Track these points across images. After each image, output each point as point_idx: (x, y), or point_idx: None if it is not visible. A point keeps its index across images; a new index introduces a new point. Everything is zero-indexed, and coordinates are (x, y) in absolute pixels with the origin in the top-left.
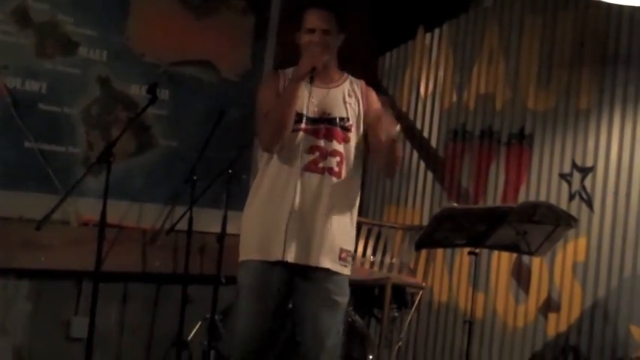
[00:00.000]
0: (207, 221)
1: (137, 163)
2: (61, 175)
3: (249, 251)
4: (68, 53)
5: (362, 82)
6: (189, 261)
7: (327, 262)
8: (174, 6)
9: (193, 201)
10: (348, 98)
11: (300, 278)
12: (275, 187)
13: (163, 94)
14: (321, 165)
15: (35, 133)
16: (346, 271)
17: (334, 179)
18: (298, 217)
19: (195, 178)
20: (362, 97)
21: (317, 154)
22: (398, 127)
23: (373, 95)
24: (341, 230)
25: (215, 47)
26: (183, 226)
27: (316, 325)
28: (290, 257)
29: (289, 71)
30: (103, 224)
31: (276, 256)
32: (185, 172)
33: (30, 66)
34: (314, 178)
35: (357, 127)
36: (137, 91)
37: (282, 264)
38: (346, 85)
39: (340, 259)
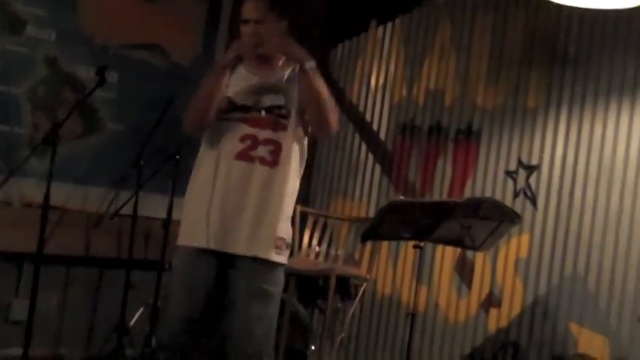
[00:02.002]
0: (153, 207)
1: (83, 145)
2: (5, 155)
3: (181, 236)
4: (16, 32)
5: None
6: (133, 246)
7: (255, 250)
8: None
9: (139, 186)
10: (286, 85)
11: (229, 267)
12: (207, 174)
13: (112, 76)
14: (251, 153)
15: None
16: (279, 258)
17: (266, 167)
18: (222, 204)
19: (142, 162)
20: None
21: (248, 142)
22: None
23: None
24: (274, 219)
25: (166, 31)
26: (128, 210)
27: (244, 315)
28: (213, 244)
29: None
30: (46, 206)
31: (200, 242)
32: (132, 157)
33: None
34: (245, 167)
35: (296, 113)
36: (85, 73)
37: (211, 252)
38: (287, 73)
39: (276, 247)
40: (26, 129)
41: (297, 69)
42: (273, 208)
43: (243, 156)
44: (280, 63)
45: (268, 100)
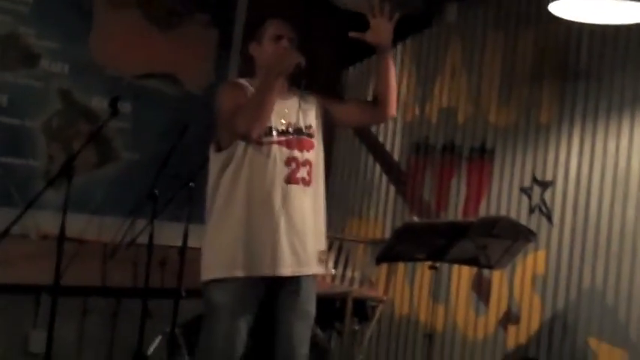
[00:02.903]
0: (168, 235)
1: (98, 176)
2: (21, 188)
3: (227, 268)
4: (30, 65)
5: (311, 92)
6: (149, 275)
7: (310, 269)
8: (137, 19)
9: (154, 215)
10: (304, 105)
11: (281, 289)
12: (252, 200)
13: (125, 107)
14: (298, 175)
15: None
16: (321, 270)
17: (308, 188)
18: (284, 230)
19: (156, 192)
20: (313, 98)
21: (294, 165)
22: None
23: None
24: (318, 235)
25: (178, 60)
26: (144, 239)
27: (292, 335)
28: (283, 272)
29: (249, 82)
30: (62, 238)
31: (266, 271)
32: (146, 186)
33: None
34: (294, 190)
35: (319, 132)
36: (99, 104)
37: (264, 279)
38: (300, 96)
39: (319, 260)
40: (41, 161)
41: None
42: (319, 223)
43: (293, 179)
44: (292, 89)
45: (299, 122)
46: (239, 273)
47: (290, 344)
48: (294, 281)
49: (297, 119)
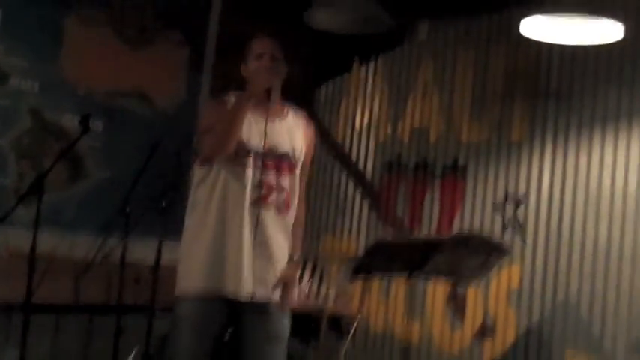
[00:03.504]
0: (141, 251)
1: (70, 193)
2: None
3: (193, 282)
4: None
5: (304, 115)
6: (122, 292)
7: (276, 295)
8: (108, 37)
9: (126, 232)
10: (293, 130)
11: (245, 312)
12: (224, 221)
13: (97, 125)
14: (269, 200)
15: None
16: (291, 303)
17: (281, 215)
18: (248, 253)
19: (128, 210)
20: (304, 133)
21: (264, 189)
22: None
23: (312, 132)
24: (284, 261)
25: (150, 78)
26: (116, 256)
27: (261, 358)
28: (244, 292)
29: (232, 97)
30: (33, 255)
31: (228, 291)
32: (118, 203)
33: None
34: (263, 214)
35: (300, 159)
36: (70, 122)
37: (223, 298)
38: (290, 117)
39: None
40: (11, 179)
41: (299, 113)
42: (284, 250)
43: (262, 203)
44: (283, 109)
45: (280, 147)
46: (202, 290)
47: None
48: (262, 305)
49: (282, 143)
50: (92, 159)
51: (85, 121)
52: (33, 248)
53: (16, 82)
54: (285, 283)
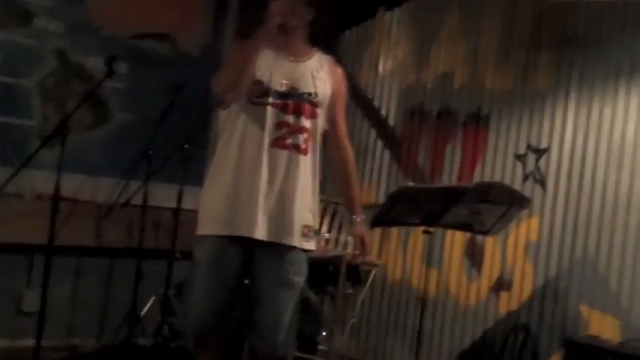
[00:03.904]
0: (163, 196)
1: (93, 136)
2: (16, 147)
3: (210, 226)
4: (24, 24)
5: (330, 59)
6: (143, 236)
7: (292, 240)
8: None
9: (148, 175)
10: (316, 73)
11: (260, 256)
12: (242, 162)
13: (121, 67)
14: (288, 141)
15: None
16: (309, 246)
17: (301, 156)
18: (267, 193)
19: (151, 152)
20: (330, 74)
21: (285, 130)
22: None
23: (341, 73)
24: (305, 206)
25: (175, 21)
26: (138, 200)
27: (274, 305)
28: (259, 234)
29: None
30: (56, 197)
31: (243, 231)
32: (142, 147)
33: None
34: (281, 155)
35: (324, 103)
36: (95, 64)
37: (244, 240)
38: (315, 60)
39: (303, 235)
40: (36, 121)
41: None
42: (307, 195)
43: (281, 144)
44: (309, 51)
45: (303, 87)
46: (217, 231)
47: (272, 313)
48: (278, 250)
49: (304, 84)
50: (116, 101)
51: (109, 63)
52: (56, 190)
53: (42, 23)
54: (361, 241)
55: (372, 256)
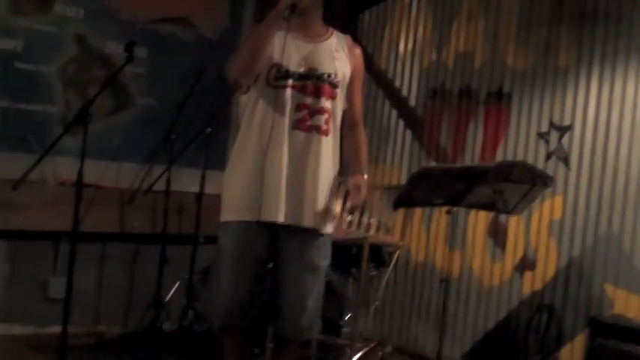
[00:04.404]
0: (186, 181)
1: (115, 122)
2: (38, 134)
3: (234, 212)
4: (44, 10)
5: (348, 38)
6: (167, 221)
7: (314, 222)
8: None
9: (171, 160)
10: (335, 53)
11: (285, 240)
12: (263, 146)
13: (141, 52)
14: (309, 123)
15: (11, 92)
16: (330, 229)
17: (323, 137)
18: (288, 177)
19: (173, 137)
20: (349, 53)
21: (305, 111)
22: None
23: (359, 52)
24: (328, 188)
25: (193, 4)
26: (161, 185)
27: (299, 288)
28: (281, 217)
29: None
30: (80, 184)
31: (267, 216)
32: (163, 132)
33: (5, 24)
34: (302, 137)
35: (344, 83)
36: (114, 49)
37: (267, 225)
38: (333, 40)
39: (325, 218)
40: (58, 107)
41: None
42: (328, 177)
43: (301, 125)
44: (326, 31)
45: (322, 68)
46: (240, 216)
47: (297, 297)
48: (302, 233)
49: (323, 64)
50: (137, 86)
51: (129, 49)
52: (80, 177)
53: (61, 9)
54: (347, 190)
55: (358, 201)
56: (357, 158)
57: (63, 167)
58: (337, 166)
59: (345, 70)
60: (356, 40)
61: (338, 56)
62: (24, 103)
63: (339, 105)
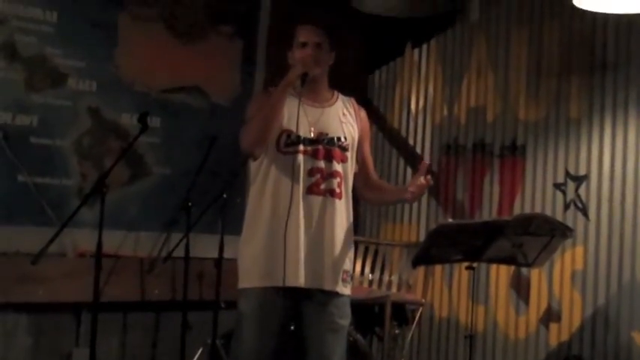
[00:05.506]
0: (204, 247)
1: (131, 192)
2: (56, 207)
3: (252, 278)
4: (58, 85)
5: (353, 100)
6: (187, 287)
7: (333, 285)
8: (161, 33)
9: (189, 227)
10: (343, 117)
11: (305, 303)
12: (277, 211)
13: (155, 121)
14: (322, 187)
15: (28, 166)
16: (347, 291)
17: (336, 200)
18: (306, 241)
19: (190, 204)
20: (355, 115)
21: (318, 175)
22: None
23: (364, 114)
24: (342, 251)
25: (204, 73)
26: (180, 252)
27: (321, 350)
28: (302, 282)
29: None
30: (99, 255)
31: (286, 282)
32: (179, 199)
33: (20, 100)
34: (317, 201)
35: (353, 146)
36: (128, 120)
37: (287, 289)
38: (340, 104)
39: (342, 280)
40: (74, 180)
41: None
42: (343, 239)
43: (316, 190)
44: (332, 95)
45: (331, 132)
46: (260, 283)
47: (321, 357)
48: (321, 296)
49: (332, 129)
50: (152, 155)
51: (143, 119)
52: (99, 247)
53: (74, 83)
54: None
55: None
56: (388, 186)
57: (81, 239)
58: (352, 229)
59: (354, 133)
60: (367, 100)
61: (345, 120)
62: (40, 177)
63: (350, 168)
